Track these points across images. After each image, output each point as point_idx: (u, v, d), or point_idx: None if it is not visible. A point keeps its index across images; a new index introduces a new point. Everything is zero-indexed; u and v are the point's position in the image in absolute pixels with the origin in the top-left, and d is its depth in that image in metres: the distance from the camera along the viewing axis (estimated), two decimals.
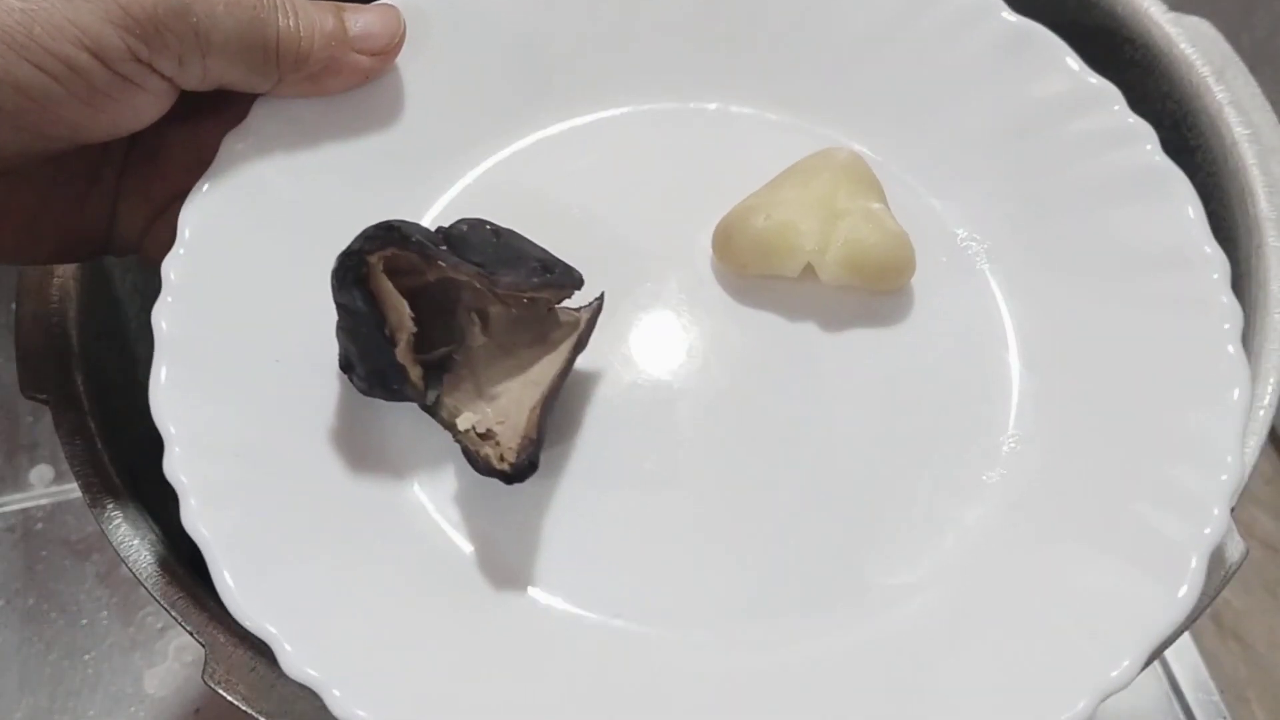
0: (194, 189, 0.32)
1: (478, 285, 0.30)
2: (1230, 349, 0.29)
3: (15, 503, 0.52)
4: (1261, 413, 0.33)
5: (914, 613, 0.29)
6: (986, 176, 0.35)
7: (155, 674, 0.49)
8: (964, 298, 0.34)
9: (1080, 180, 0.33)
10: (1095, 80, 0.34)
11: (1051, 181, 0.34)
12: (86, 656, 0.49)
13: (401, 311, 0.29)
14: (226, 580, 0.27)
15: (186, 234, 0.31)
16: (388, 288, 0.29)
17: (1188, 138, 0.38)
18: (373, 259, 0.28)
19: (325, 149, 0.34)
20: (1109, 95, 0.33)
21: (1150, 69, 0.39)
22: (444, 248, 0.30)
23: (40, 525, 0.52)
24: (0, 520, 0.52)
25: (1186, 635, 0.35)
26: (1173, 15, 0.39)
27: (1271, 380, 0.33)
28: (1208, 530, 0.27)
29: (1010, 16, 0.35)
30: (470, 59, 0.36)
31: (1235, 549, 0.31)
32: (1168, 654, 0.49)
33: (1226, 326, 0.30)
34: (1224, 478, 0.28)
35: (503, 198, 0.35)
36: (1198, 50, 0.38)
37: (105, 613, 0.50)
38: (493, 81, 0.36)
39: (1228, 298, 0.30)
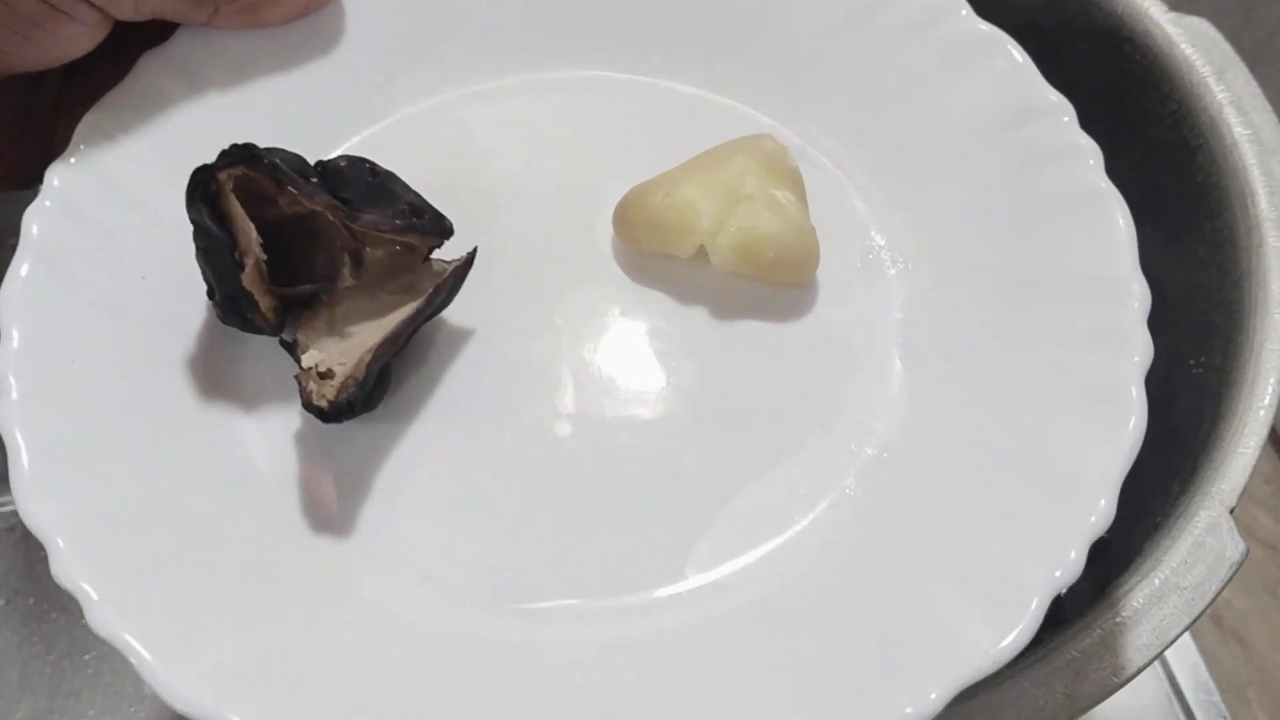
0: (98, 102, 0.32)
1: (331, 218, 0.30)
2: (1133, 389, 0.28)
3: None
4: (1262, 413, 0.33)
5: (728, 609, 0.28)
6: (918, 184, 0.34)
7: None
8: (866, 304, 0.33)
9: (1014, 195, 0.32)
10: (1051, 94, 0.32)
11: (985, 194, 0.33)
12: (86, 656, 0.49)
13: (249, 235, 0.29)
14: (24, 478, 0.27)
15: (79, 144, 0.31)
16: (237, 209, 0.29)
17: (1188, 138, 0.38)
18: (222, 175, 0.28)
19: (241, 79, 0.34)
20: (1060, 108, 0.32)
21: (1150, 69, 0.39)
22: (314, 179, 0.29)
23: None
24: (0, 520, 0.52)
25: (1187, 635, 0.35)
26: (1173, 15, 0.39)
27: (1271, 380, 0.33)
28: (1058, 574, 0.26)
29: (972, 19, 0.34)
30: (411, 3, 0.36)
31: (1235, 549, 0.31)
32: (1168, 654, 0.49)
33: (1136, 359, 0.28)
34: (1091, 519, 0.26)
35: (418, 145, 0.35)
36: (1198, 50, 0.38)
37: None
38: (430, 28, 0.36)
39: (1142, 332, 0.29)
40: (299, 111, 0.34)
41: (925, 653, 0.26)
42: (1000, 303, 0.31)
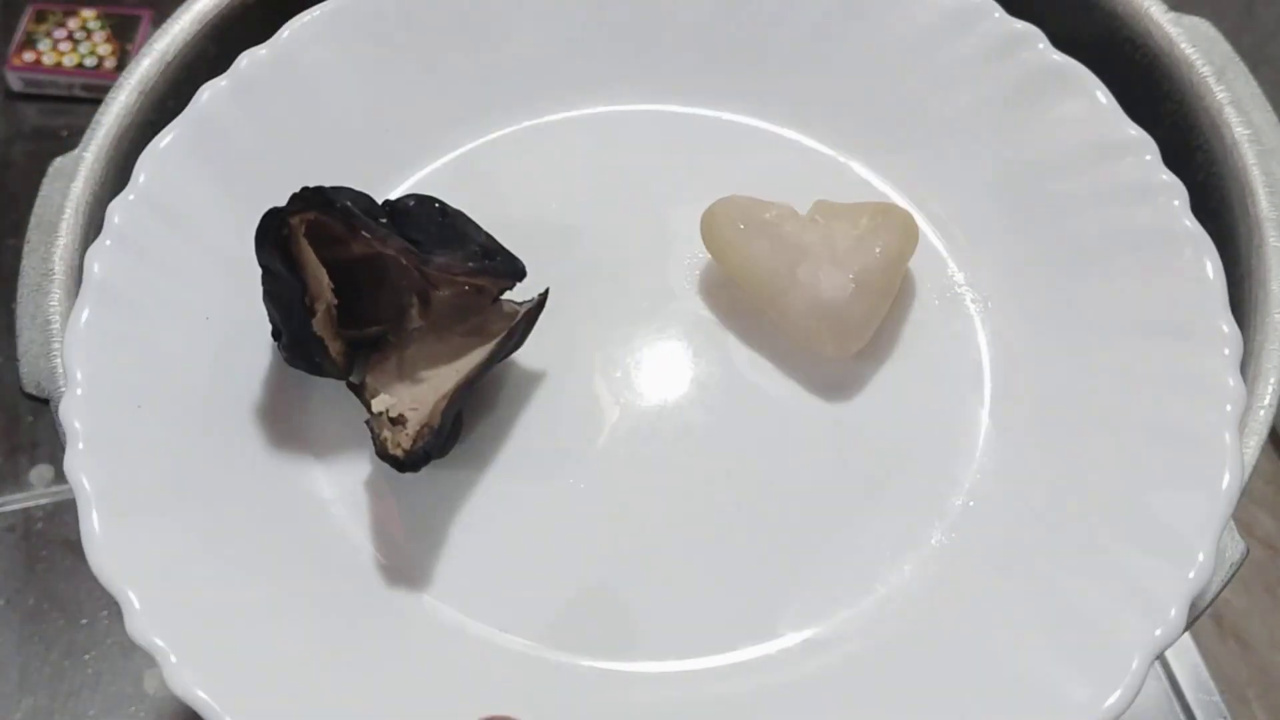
0: (159, 135, 0.31)
1: (404, 262, 0.29)
2: (1226, 436, 0.27)
3: (15, 502, 0.52)
4: (1262, 413, 0.33)
5: (816, 670, 0.27)
6: (997, 219, 0.33)
7: (155, 674, 0.49)
8: (948, 343, 0.32)
9: (1097, 235, 0.31)
10: (1132, 129, 0.31)
11: (1065, 232, 0.32)
12: (86, 656, 0.49)
13: (321, 280, 0.28)
14: (94, 530, 0.26)
15: (140, 178, 0.30)
16: (308, 254, 0.28)
17: (1188, 138, 0.38)
18: (294, 221, 0.27)
19: (304, 112, 0.33)
20: (1141, 145, 0.31)
21: (1150, 69, 0.39)
22: (383, 220, 0.29)
23: (40, 525, 0.52)
24: (0, 520, 0.52)
25: (1187, 635, 0.35)
26: (1173, 15, 0.39)
27: (1272, 380, 0.33)
28: (1158, 632, 0.25)
29: (1048, 51, 0.33)
30: (483, 37, 0.35)
31: (1235, 549, 0.30)
32: (1168, 654, 0.49)
33: (1228, 409, 0.27)
34: (1190, 575, 0.25)
35: (484, 180, 0.34)
36: (1198, 50, 0.38)
37: (105, 613, 0.50)
38: (495, 62, 0.35)
39: (1234, 379, 0.27)
40: (363, 146, 0.34)
41: (1021, 717, 0.25)
42: (1085, 345, 0.30)
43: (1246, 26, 0.77)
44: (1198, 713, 0.49)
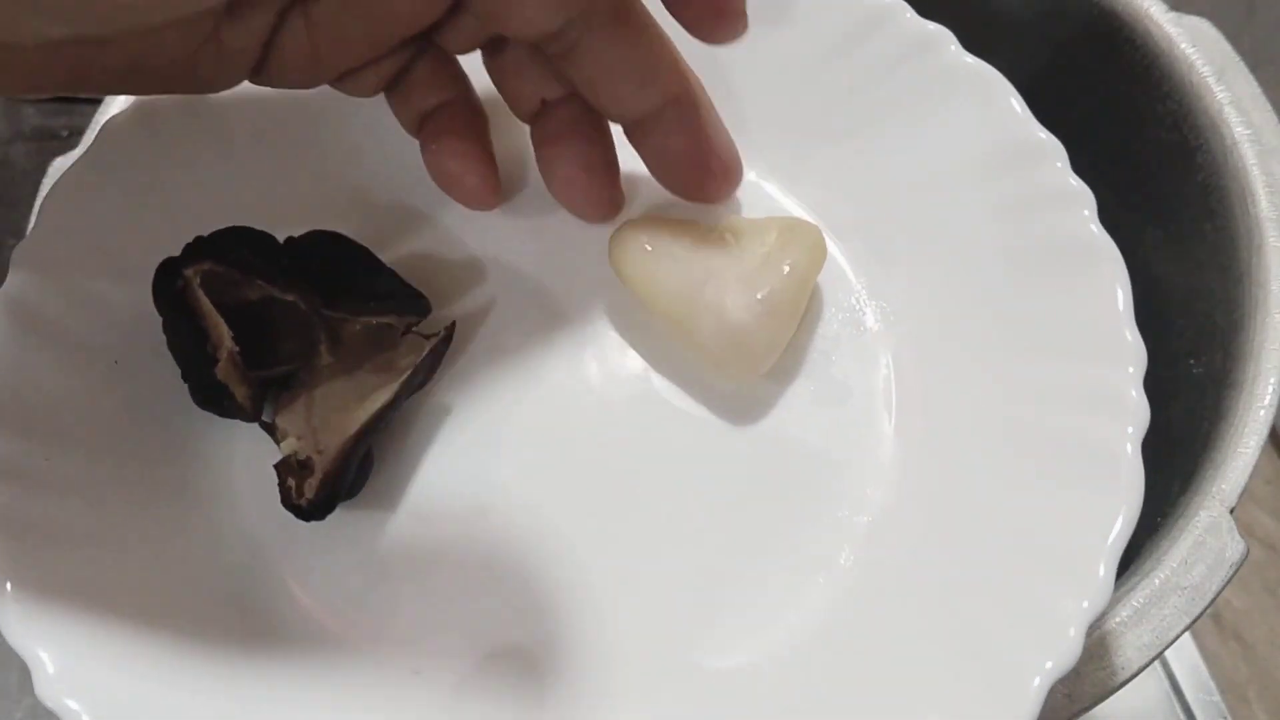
0: (68, 170, 0.30)
1: (303, 308, 0.29)
2: (1128, 457, 0.26)
3: None
4: (1262, 413, 0.33)
5: (741, 702, 0.27)
6: (903, 231, 0.32)
7: None
8: (854, 360, 0.31)
9: (1000, 243, 0.30)
10: (1042, 134, 0.30)
11: (971, 241, 0.30)
12: None
13: (221, 330, 0.28)
14: (4, 589, 0.25)
15: (46, 214, 0.30)
16: (205, 304, 0.28)
17: (1188, 138, 0.38)
18: (189, 272, 0.27)
19: (216, 140, 0.32)
20: (1051, 151, 0.30)
21: (1150, 69, 0.39)
22: (285, 261, 0.29)
23: None
24: None
25: (1187, 635, 0.35)
26: (1173, 15, 0.39)
27: (1272, 380, 0.33)
28: (1049, 664, 0.24)
29: (959, 54, 0.31)
30: None
31: (1235, 549, 0.31)
32: (1168, 654, 0.49)
33: (1130, 430, 0.26)
34: (1085, 604, 0.25)
35: (384, 203, 0.33)
36: (1198, 50, 0.38)
37: None
38: None
39: (1137, 392, 0.27)
40: (267, 180, 0.32)
41: None
42: (989, 357, 0.30)
43: (1246, 26, 0.77)
44: (1198, 713, 0.49)
